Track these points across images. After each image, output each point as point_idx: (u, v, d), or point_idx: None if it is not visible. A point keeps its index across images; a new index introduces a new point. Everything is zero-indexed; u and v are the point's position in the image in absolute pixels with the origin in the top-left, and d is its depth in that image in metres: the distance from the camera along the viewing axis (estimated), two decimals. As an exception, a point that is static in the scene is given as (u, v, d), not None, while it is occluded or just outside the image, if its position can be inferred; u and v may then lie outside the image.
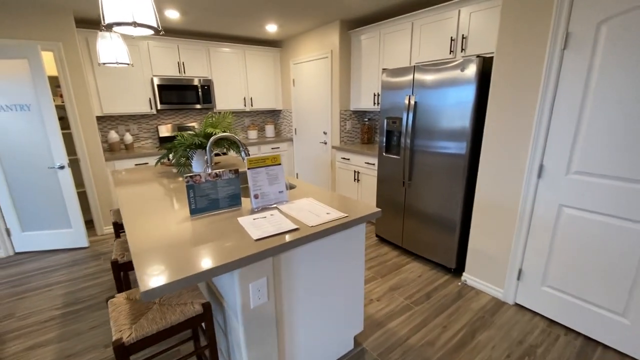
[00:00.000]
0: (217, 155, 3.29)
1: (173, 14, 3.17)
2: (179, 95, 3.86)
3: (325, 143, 4.10)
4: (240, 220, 1.41)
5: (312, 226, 1.33)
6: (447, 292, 2.29)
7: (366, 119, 4.03)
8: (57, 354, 1.81)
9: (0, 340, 1.92)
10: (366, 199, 3.51)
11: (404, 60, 3.08)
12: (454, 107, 2.24)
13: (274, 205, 1.59)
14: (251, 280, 1.19)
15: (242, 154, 1.90)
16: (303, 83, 4.31)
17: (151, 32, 1.27)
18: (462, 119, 2.20)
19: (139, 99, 3.67)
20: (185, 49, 3.85)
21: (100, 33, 2.12)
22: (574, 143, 1.71)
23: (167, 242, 1.20)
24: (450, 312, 2.08)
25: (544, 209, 1.89)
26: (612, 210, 1.63)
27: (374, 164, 3.28)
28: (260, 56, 4.48)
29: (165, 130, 4.08)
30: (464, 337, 1.86)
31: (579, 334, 1.86)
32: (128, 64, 2.26)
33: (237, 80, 4.35)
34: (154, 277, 0.96)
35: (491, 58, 2.12)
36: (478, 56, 2.07)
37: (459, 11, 2.53)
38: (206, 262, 1.04)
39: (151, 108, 3.75)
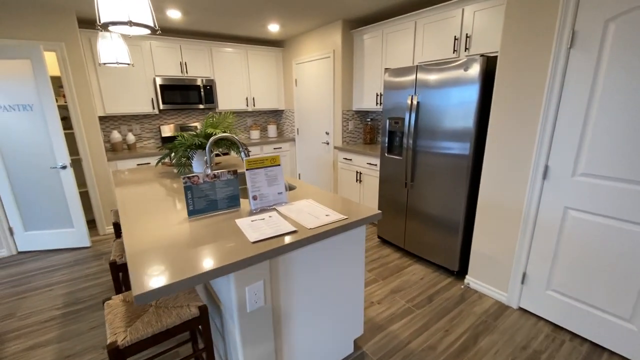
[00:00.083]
0: (218, 155, 3.29)
1: (175, 14, 3.17)
2: (182, 95, 3.86)
3: (328, 143, 4.08)
4: (238, 222, 1.39)
5: (310, 228, 1.30)
6: (449, 295, 2.25)
7: (369, 119, 4.01)
8: (57, 354, 1.80)
9: (0, 340, 1.92)
10: (368, 200, 3.48)
11: (407, 60, 3.05)
12: (457, 107, 2.20)
13: (273, 207, 1.57)
14: (247, 283, 1.17)
15: (242, 154, 1.88)
16: (305, 83, 4.29)
17: (148, 31, 1.26)
18: (466, 119, 2.16)
19: (142, 99, 3.67)
20: (188, 49, 3.85)
21: (100, 33, 2.12)
22: (581, 144, 1.67)
23: (163, 243, 1.19)
24: (452, 315, 2.04)
25: (549, 211, 1.85)
26: (619, 213, 1.59)
27: (376, 165, 3.25)
28: (263, 56, 4.47)
29: (167, 130, 4.09)
30: (466, 341, 1.82)
31: (584, 339, 1.82)
32: (128, 64, 2.26)
33: (240, 80, 4.34)
34: (147, 280, 0.94)
35: (495, 57, 2.08)
36: (482, 55, 2.03)
37: (463, 10, 2.49)
38: (201, 265, 1.02)
39: (153, 108, 3.75)
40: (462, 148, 2.22)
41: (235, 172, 1.54)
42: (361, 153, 3.44)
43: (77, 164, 3.44)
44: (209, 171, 1.64)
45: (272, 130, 4.89)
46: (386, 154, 2.85)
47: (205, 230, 1.31)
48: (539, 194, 1.87)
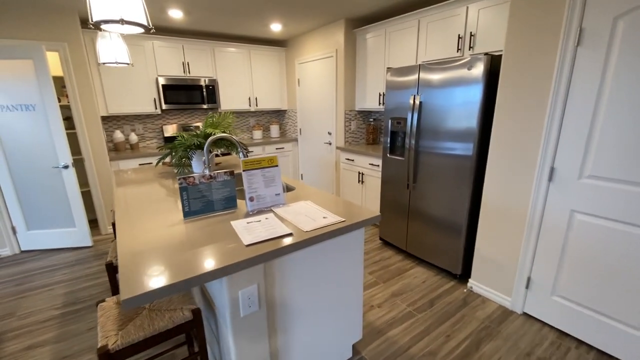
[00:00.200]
0: (218, 155, 3.27)
1: (177, 14, 3.16)
2: (184, 95, 3.86)
3: (330, 143, 4.04)
4: (234, 224, 1.36)
5: (306, 231, 1.27)
6: (451, 299, 2.20)
7: (371, 119, 3.96)
8: (54, 354, 1.80)
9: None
10: (370, 201, 3.44)
11: (410, 59, 3.00)
12: (460, 107, 2.16)
13: (270, 208, 1.55)
14: (241, 287, 1.14)
15: (240, 154, 1.86)
16: (308, 83, 4.27)
17: (141, 30, 1.24)
18: (469, 119, 2.12)
19: (144, 99, 3.67)
20: (190, 49, 3.85)
21: (100, 33, 2.12)
22: (588, 145, 1.62)
23: (155, 246, 1.16)
24: (454, 320, 2.00)
25: (555, 214, 1.79)
26: (628, 217, 1.53)
27: (378, 166, 3.21)
28: (265, 56, 4.45)
29: (170, 130, 4.09)
30: (468, 347, 1.78)
31: (591, 347, 1.76)
32: (128, 64, 2.25)
33: (242, 80, 4.33)
34: (135, 284, 0.92)
35: (500, 56, 2.03)
36: (486, 54, 1.99)
37: (467, 8, 2.44)
38: (192, 269, 1.00)
39: (156, 108, 3.76)
40: (465, 149, 2.17)
41: (232, 172, 1.51)
42: (363, 153, 3.40)
43: (79, 164, 3.45)
44: (207, 172, 1.62)
45: (274, 130, 4.87)
46: (388, 155, 2.81)
47: (199, 232, 1.29)
48: (544, 196, 1.82)
